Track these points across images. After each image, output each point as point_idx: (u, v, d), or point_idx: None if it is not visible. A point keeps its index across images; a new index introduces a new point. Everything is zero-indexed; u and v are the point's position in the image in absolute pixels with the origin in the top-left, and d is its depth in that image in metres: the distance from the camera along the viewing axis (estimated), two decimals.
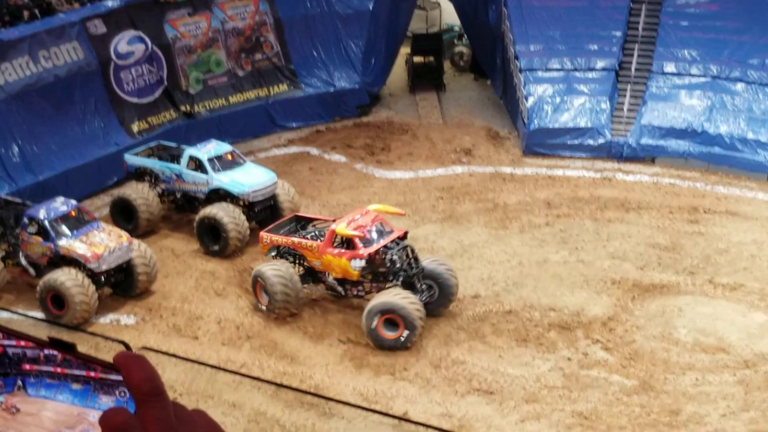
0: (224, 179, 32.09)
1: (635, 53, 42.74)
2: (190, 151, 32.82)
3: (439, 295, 27.76)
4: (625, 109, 41.04)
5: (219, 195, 32.12)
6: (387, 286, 27.58)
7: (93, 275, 27.51)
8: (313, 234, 28.92)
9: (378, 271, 27.90)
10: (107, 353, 2.33)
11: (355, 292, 28.17)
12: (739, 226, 33.37)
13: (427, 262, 28.07)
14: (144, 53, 39.11)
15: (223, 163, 32.51)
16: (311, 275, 28.62)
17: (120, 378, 2.17)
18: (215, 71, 41.99)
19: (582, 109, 40.44)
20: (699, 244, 31.90)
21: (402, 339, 26.03)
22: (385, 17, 45.22)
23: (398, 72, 48.55)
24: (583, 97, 40.82)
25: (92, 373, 2.32)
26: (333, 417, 22.87)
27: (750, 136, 38.07)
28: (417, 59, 48.84)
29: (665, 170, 38.08)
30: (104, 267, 27.66)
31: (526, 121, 40.31)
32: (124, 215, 32.55)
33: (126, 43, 38.57)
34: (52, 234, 27.77)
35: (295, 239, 28.59)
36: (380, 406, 23.83)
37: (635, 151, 39.22)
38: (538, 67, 42.06)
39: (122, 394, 2.26)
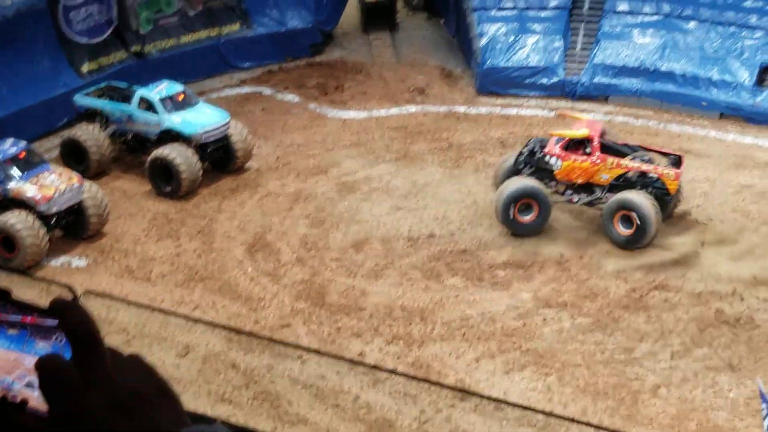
0: (176, 120, 31.56)
1: None
2: (141, 91, 32.24)
3: None
4: (578, 47, 40.82)
5: (171, 135, 31.59)
6: None
7: (43, 217, 26.99)
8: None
9: None
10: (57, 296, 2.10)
11: None
12: (691, 163, 33.17)
13: None
14: None
15: (174, 103, 31.96)
16: None
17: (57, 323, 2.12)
18: (166, 11, 41.25)
19: (535, 47, 40.19)
20: None
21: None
22: None
23: (351, 11, 48.02)
24: (537, 35, 40.56)
25: (28, 319, 2.24)
26: (288, 358, 22.62)
27: (702, 74, 38.04)
28: None
29: (618, 108, 38.00)
30: (55, 209, 27.14)
31: (479, 60, 40.02)
32: (74, 157, 31.92)
33: None
34: (2, 176, 27.19)
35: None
36: (336, 346, 23.64)
37: (588, 90, 39.09)
38: (491, 5, 41.72)
39: (59, 339, 2.19)
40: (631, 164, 28.83)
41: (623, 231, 27.96)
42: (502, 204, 27.96)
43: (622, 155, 29.03)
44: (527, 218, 28.24)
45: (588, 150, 28.73)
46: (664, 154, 29.89)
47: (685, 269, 26.77)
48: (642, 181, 28.49)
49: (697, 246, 28.05)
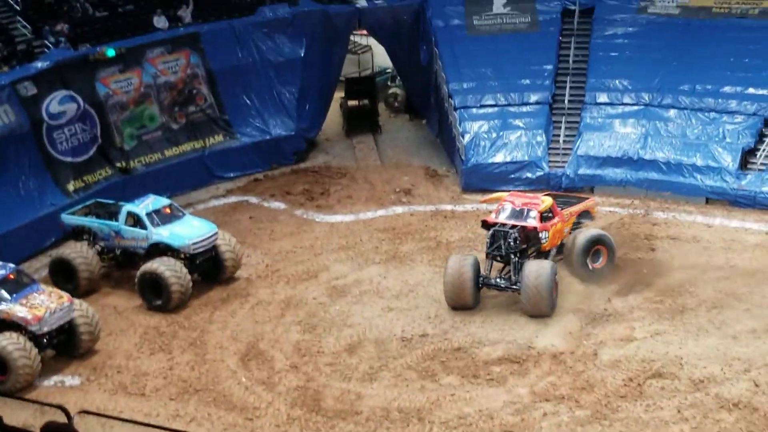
0: (164, 233, 31.69)
1: (567, 85, 43.06)
2: (127, 207, 32.38)
3: None
4: (561, 140, 41.26)
5: (159, 249, 31.70)
6: None
7: (35, 338, 26.91)
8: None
9: None
10: (52, 416, 2.14)
11: None
12: (681, 249, 33.45)
13: None
14: (76, 112, 38.65)
15: (161, 217, 32.11)
16: None
17: None
18: (149, 126, 41.67)
19: (518, 143, 40.60)
20: (643, 270, 31.87)
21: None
22: (317, 63, 45.25)
23: (333, 116, 48.59)
24: (519, 131, 41.04)
25: None
26: None
27: (685, 160, 38.43)
28: (351, 103, 49.01)
29: (604, 199, 38.23)
30: (46, 329, 27.10)
31: (463, 158, 40.38)
32: (64, 275, 32.00)
33: (58, 103, 38.12)
34: None
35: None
36: None
37: (573, 182, 39.44)
38: (473, 104, 42.27)
39: None
40: (576, 209, 32.44)
41: (597, 264, 30.95)
42: (548, 290, 28.78)
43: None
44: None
45: (550, 214, 30.95)
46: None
47: (681, 355, 26.73)
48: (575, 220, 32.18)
49: (692, 331, 28.08)
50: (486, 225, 30.64)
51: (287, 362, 27.65)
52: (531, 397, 25.23)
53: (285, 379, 26.80)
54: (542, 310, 28.89)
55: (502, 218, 30.51)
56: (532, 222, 30.18)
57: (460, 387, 25.91)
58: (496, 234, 30.02)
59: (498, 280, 30.00)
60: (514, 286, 29.38)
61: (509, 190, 38.40)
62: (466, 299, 29.82)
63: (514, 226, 30.02)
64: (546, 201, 31.10)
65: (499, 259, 30.28)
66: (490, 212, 31.68)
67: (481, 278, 29.86)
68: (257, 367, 27.53)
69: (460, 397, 25.41)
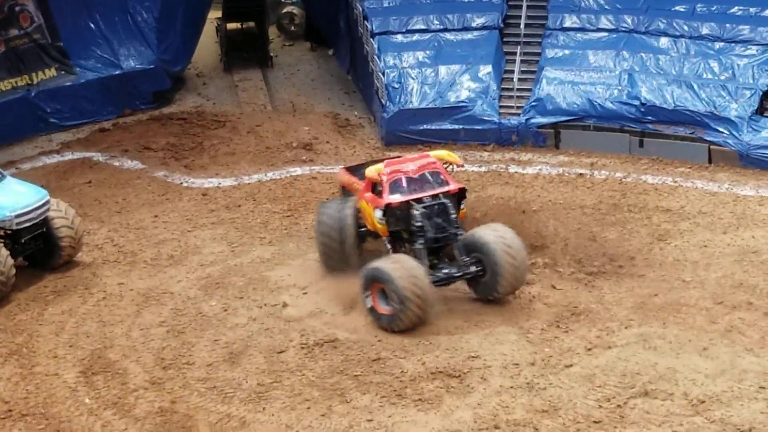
0: None
1: (524, 4, 43.25)
2: None
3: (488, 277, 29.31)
4: (515, 79, 41.53)
5: None
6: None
7: None
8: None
9: (404, 229, 30.41)
10: None
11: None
12: (675, 227, 33.76)
13: (478, 230, 30.13)
14: None
15: None
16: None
17: None
18: None
19: (458, 81, 40.70)
20: (624, 255, 32.20)
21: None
22: None
23: (208, 45, 48.44)
24: (458, 65, 41.10)
25: None
26: None
27: (682, 106, 38.62)
28: (231, 26, 48.86)
29: (573, 158, 38.61)
30: None
31: (384, 101, 40.52)
32: None
33: None
34: None
35: (352, 179, 32.02)
36: None
37: (531, 135, 39.55)
38: (396, 28, 42.44)
39: None
40: None
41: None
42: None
43: None
44: None
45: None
46: None
47: (675, 367, 27.02)
48: None
49: (689, 335, 28.38)
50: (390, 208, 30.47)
51: (146, 377, 27.57)
52: (475, 424, 25.38)
53: (143, 399, 26.75)
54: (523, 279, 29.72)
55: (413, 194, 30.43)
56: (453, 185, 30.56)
57: (380, 410, 25.93)
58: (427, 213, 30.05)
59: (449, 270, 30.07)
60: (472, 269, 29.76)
61: (446, 145, 38.71)
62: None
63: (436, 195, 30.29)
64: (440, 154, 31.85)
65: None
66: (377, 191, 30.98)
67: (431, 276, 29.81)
68: (105, 383, 27.41)
69: (379, 423, 25.45)
